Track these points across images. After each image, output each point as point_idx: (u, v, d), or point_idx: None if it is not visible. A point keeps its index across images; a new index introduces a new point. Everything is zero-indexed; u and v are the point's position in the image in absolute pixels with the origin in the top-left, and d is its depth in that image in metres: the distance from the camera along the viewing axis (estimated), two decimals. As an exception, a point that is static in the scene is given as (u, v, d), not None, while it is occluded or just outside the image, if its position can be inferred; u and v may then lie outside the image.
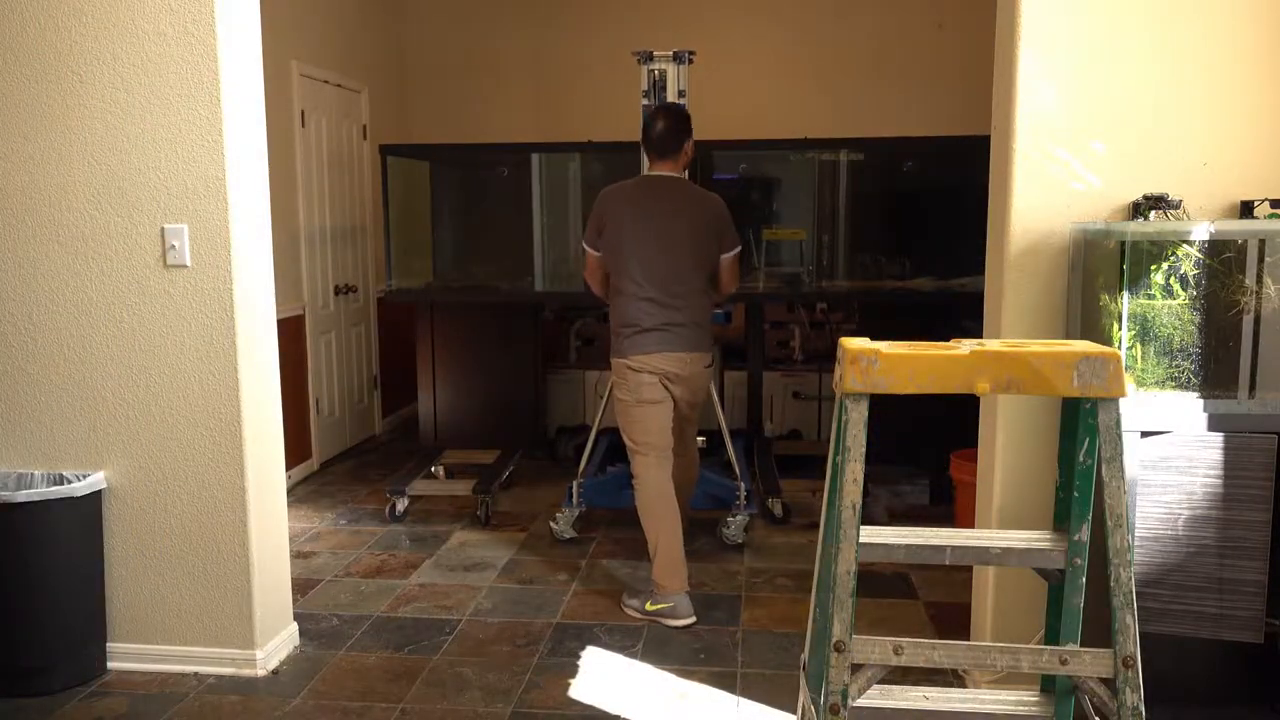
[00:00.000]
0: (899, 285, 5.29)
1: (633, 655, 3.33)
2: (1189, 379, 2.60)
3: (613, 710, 2.97)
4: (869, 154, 5.50)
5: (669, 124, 3.68)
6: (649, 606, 3.61)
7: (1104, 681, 1.93)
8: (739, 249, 3.78)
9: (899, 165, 5.49)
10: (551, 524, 4.47)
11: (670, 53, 4.39)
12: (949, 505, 4.51)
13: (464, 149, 5.90)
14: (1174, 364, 2.60)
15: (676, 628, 3.53)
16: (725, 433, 4.48)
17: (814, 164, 5.45)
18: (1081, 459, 1.98)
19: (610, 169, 4.91)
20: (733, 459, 4.46)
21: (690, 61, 4.41)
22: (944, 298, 5.05)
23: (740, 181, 5.61)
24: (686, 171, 3.83)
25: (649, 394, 3.68)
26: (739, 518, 4.36)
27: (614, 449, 4.98)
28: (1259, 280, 2.56)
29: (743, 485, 4.40)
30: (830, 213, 5.46)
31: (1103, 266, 2.66)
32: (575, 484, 4.47)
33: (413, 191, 5.66)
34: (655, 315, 3.63)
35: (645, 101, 4.40)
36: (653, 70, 4.40)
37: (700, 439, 4.53)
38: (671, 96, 4.39)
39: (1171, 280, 2.59)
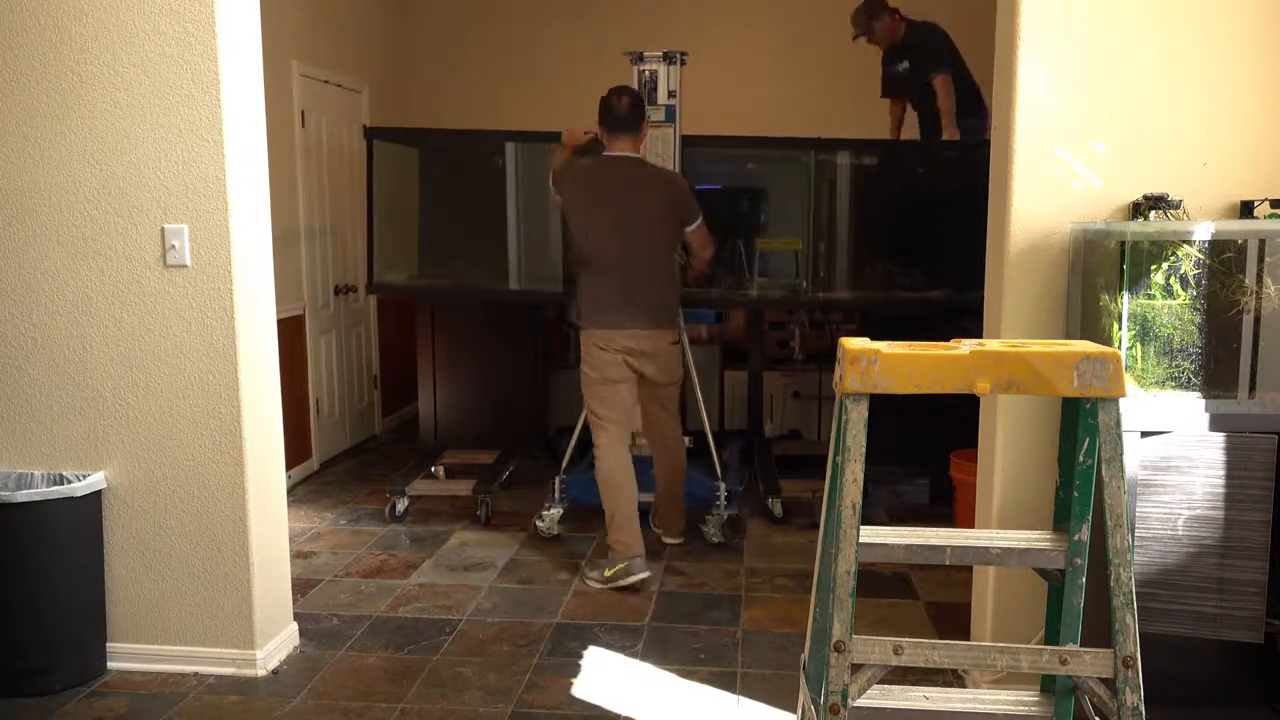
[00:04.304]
0: (911, 297, 5.22)
1: (633, 655, 3.33)
2: (1189, 379, 2.60)
3: (613, 710, 2.97)
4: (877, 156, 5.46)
5: (633, 99, 3.91)
6: (607, 573, 3.81)
7: (1104, 681, 1.93)
8: (700, 220, 4.00)
9: (905, 168, 5.45)
10: (536, 521, 4.47)
11: (660, 53, 4.39)
12: (949, 505, 4.51)
13: (456, 134, 5.84)
14: (1174, 364, 2.60)
15: (634, 584, 3.75)
16: (709, 433, 4.47)
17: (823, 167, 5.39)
18: (1081, 459, 1.98)
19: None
20: (715, 459, 4.46)
21: (683, 63, 4.42)
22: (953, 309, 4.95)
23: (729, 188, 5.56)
24: (644, 150, 4.03)
25: (613, 373, 3.89)
26: (716, 516, 4.38)
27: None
28: (1259, 280, 2.56)
29: (722, 485, 4.41)
30: (832, 218, 5.41)
31: (1103, 266, 2.66)
32: (558, 480, 4.45)
33: (406, 185, 5.62)
34: (617, 294, 3.85)
35: None
36: (644, 71, 4.41)
37: (686, 439, 4.54)
38: (662, 98, 4.40)
39: (1171, 280, 2.59)
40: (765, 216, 5.50)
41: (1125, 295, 2.57)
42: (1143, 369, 2.61)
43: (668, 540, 4.35)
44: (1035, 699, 2.15)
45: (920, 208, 5.24)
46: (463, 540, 4.45)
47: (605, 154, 3.94)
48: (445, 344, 5.66)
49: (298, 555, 4.16)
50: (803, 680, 2.20)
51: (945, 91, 5.15)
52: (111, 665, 3.18)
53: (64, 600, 3.05)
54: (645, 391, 4.09)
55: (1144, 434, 2.56)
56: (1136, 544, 2.57)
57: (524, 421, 5.62)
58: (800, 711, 2.19)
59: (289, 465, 4.33)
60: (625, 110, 3.88)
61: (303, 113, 5.41)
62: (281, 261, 3.92)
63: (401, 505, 4.72)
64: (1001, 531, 2.37)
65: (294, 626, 3.39)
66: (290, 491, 5.06)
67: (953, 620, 3.52)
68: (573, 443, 4.57)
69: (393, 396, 6.60)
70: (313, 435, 5.56)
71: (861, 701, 1.99)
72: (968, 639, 3.11)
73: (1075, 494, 2.01)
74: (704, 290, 5.11)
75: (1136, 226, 2.64)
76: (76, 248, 3.07)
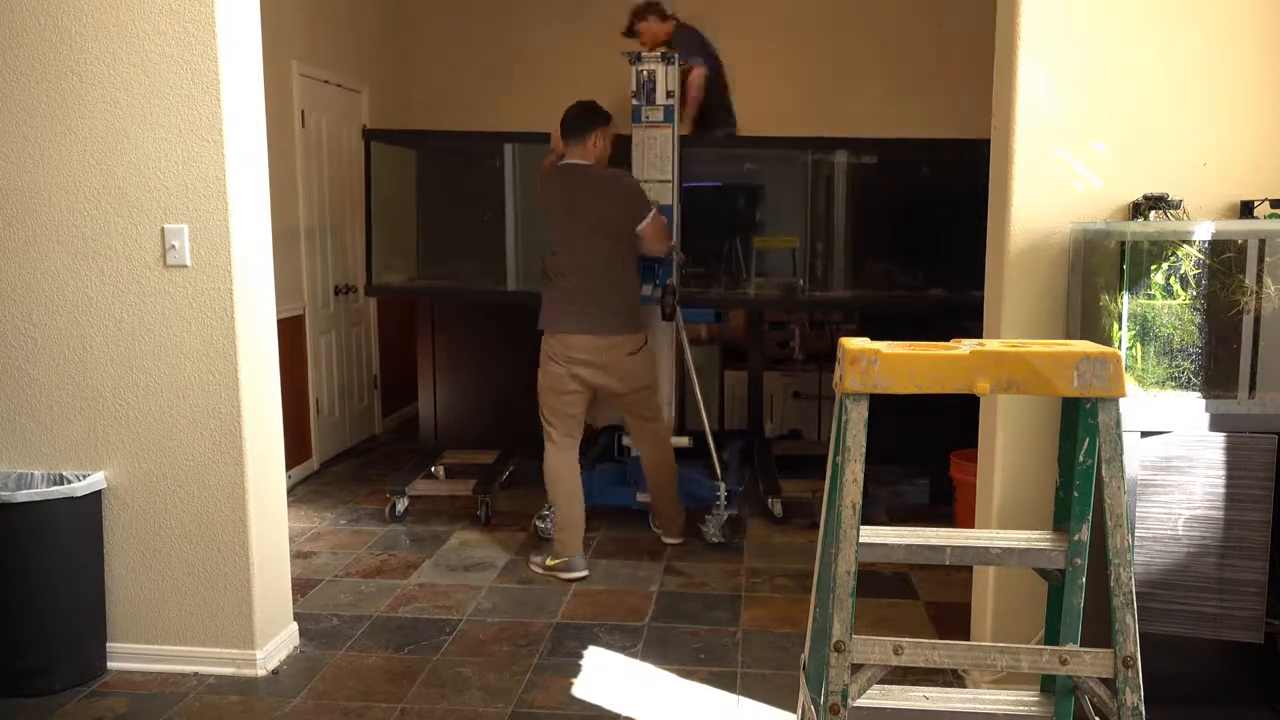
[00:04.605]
0: (909, 295, 5.21)
1: (633, 655, 3.33)
2: (1189, 379, 2.60)
3: (613, 710, 2.97)
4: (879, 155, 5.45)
5: (576, 111, 4.01)
6: (549, 562, 4.01)
7: (1104, 681, 1.93)
8: (653, 212, 4.04)
9: (905, 167, 5.44)
10: (536, 522, 4.47)
11: (659, 53, 4.41)
12: (949, 505, 4.51)
13: (453, 136, 5.83)
14: (1174, 364, 2.60)
15: (571, 579, 3.94)
16: (709, 433, 4.46)
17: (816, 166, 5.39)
18: (1081, 459, 1.98)
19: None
20: (715, 459, 4.46)
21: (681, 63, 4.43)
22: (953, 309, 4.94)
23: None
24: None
25: (559, 384, 3.99)
26: (716, 516, 4.38)
27: (604, 446, 4.98)
28: (1259, 280, 2.56)
29: (722, 485, 4.41)
30: (831, 216, 5.41)
31: (1103, 266, 2.66)
32: None
33: (404, 186, 5.62)
34: (573, 301, 3.93)
35: (635, 102, 4.41)
36: (642, 71, 4.42)
37: (684, 439, 4.53)
38: (661, 98, 4.41)
39: (1171, 280, 2.59)
40: (763, 215, 5.49)
41: (1125, 295, 2.57)
42: (1143, 369, 2.61)
43: (667, 540, 4.36)
44: (1035, 699, 2.15)
45: (920, 207, 5.24)
46: (463, 540, 4.45)
47: (563, 163, 4.05)
48: (445, 344, 5.66)
49: (298, 555, 4.17)
50: (803, 680, 2.20)
51: (696, 84, 5.24)
52: (111, 665, 3.18)
53: (64, 600, 3.05)
54: (615, 400, 4.15)
55: (1144, 434, 2.56)
56: (1136, 544, 2.57)
57: (524, 421, 5.58)
58: (800, 711, 2.19)
59: (289, 465, 4.33)
60: (570, 119, 3.98)
61: (303, 113, 5.41)
62: (281, 261, 3.92)
63: (401, 505, 4.72)
64: (1001, 531, 2.37)
65: (294, 626, 3.39)
66: (290, 491, 5.06)
67: (953, 620, 3.52)
68: None
69: (393, 396, 6.60)
70: (313, 435, 5.56)
71: (861, 701, 1.99)
72: (968, 639, 3.11)
73: (1075, 494, 2.01)
74: (703, 290, 5.12)
75: (1136, 226, 2.64)
76: (76, 248, 3.07)
